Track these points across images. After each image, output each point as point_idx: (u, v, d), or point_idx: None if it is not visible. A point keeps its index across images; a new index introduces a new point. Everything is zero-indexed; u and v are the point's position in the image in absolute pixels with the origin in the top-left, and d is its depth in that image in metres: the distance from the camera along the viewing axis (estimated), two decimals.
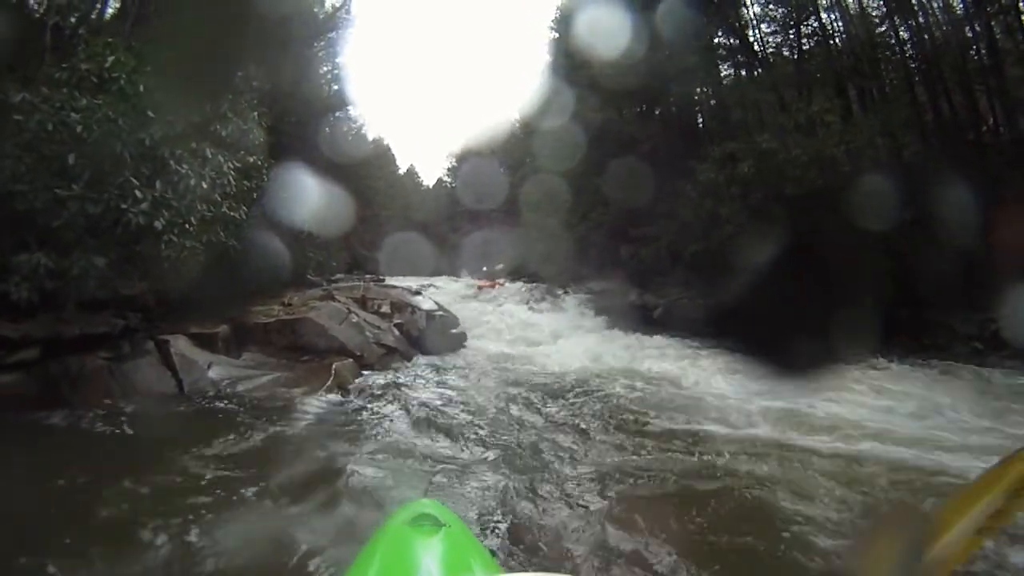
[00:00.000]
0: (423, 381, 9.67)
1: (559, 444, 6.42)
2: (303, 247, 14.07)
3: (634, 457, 6.00)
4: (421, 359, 11.74)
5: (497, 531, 4.34)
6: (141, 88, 7.21)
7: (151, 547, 4.00)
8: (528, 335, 14.71)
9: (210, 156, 8.11)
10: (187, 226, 7.47)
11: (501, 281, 20.80)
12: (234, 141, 9.34)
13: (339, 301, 12.26)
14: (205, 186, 7.70)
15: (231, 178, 8.59)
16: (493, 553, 3.94)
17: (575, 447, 6.33)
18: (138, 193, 6.72)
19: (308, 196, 13.82)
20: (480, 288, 19.80)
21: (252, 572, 3.80)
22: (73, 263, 6.52)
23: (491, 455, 6.03)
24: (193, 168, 7.52)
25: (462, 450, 6.20)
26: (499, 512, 4.65)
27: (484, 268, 22.20)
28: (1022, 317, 8.87)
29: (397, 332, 12.26)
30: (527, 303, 17.92)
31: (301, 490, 4.92)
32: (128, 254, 7.49)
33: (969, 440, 6.28)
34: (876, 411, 7.45)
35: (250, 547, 4.04)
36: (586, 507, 4.77)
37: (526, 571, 3.95)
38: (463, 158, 43.85)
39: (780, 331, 9.51)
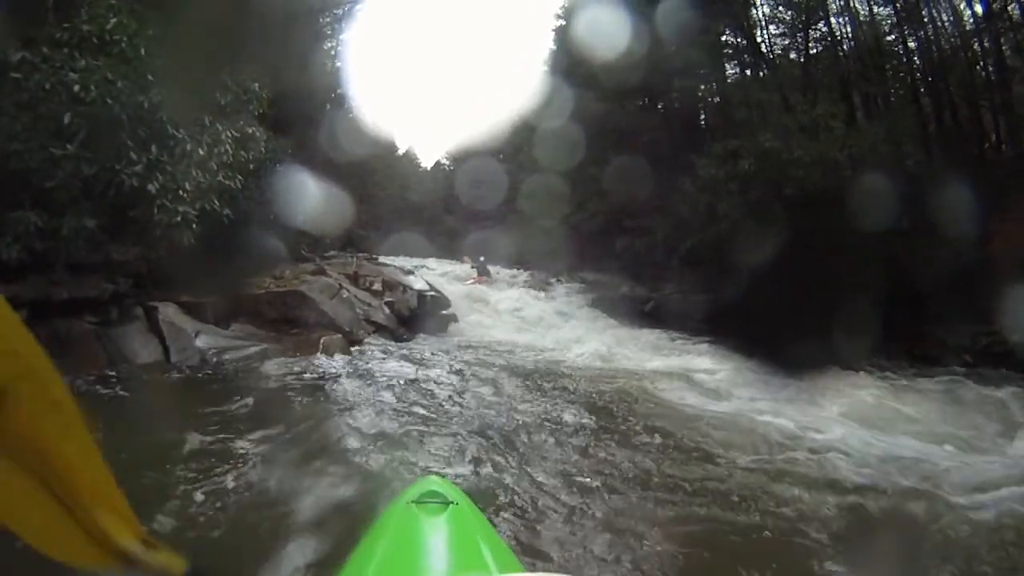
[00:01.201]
0: (410, 360, 9.62)
1: (541, 429, 6.38)
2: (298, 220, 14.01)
3: (612, 445, 5.99)
4: (410, 338, 11.76)
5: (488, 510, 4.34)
6: (142, 51, 7.16)
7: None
8: (517, 321, 14.74)
9: (208, 123, 8.08)
10: (181, 192, 7.41)
11: (486, 278, 19.86)
12: (233, 111, 9.31)
13: (331, 276, 12.23)
14: (202, 153, 7.66)
15: (228, 147, 8.54)
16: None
17: (557, 433, 6.30)
18: (133, 155, 6.66)
19: (306, 170, 13.80)
20: (473, 282, 19.47)
21: (243, 545, 3.80)
22: (63, 223, 6.49)
23: (470, 436, 5.97)
24: (190, 134, 7.48)
25: (443, 430, 6.16)
26: (486, 493, 4.65)
27: (482, 258, 21.55)
28: (1014, 330, 8.91)
29: (387, 310, 12.25)
30: (518, 290, 17.84)
31: (282, 462, 4.93)
32: (122, 218, 7.47)
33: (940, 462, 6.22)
34: (848, 426, 7.36)
35: (235, 518, 4.04)
36: (575, 495, 4.71)
37: (531, 568, 3.95)
38: (463, 152, 43.59)
39: (771, 332, 9.56)
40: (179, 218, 7.33)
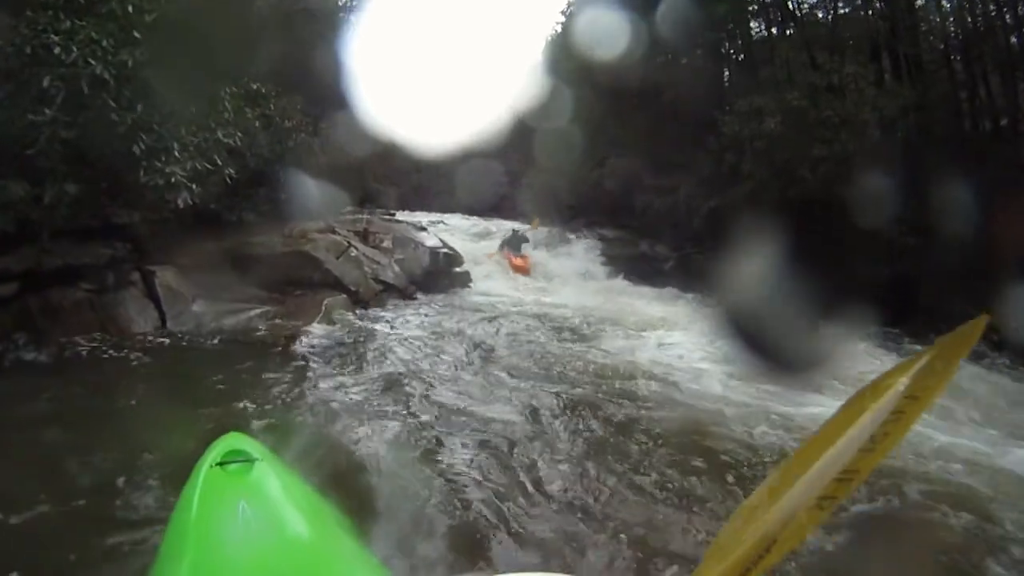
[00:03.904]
0: (417, 321, 9.57)
1: (538, 402, 6.14)
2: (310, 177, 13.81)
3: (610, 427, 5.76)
4: (420, 298, 11.59)
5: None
6: (130, 8, 6.90)
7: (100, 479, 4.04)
8: (534, 279, 14.55)
9: (205, 80, 7.90)
10: (176, 153, 7.22)
11: (520, 258, 15.73)
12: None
13: (339, 234, 12.03)
14: (194, 110, 7.48)
15: (227, 103, 8.40)
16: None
17: (555, 405, 6.08)
18: (115, 116, 6.46)
19: (318, 125, 13.61)
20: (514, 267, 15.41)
21: None
22: (44, 191, 6.35)
23: (464, 407, 5.92)
24: (182, 91, 7.27)
25: (435, 398, 6.07)
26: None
27: (516, 228, 17.46)
28: None
29: (397, 268, 12.04)
30: (536, 247, 17.45)
31: (269, 432, 4.83)
32: (120, 182, 7.34)
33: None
34: None
35: None
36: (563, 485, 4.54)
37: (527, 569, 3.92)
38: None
39: (792, 301, 9.22)
40: (173, 179, 7.13)
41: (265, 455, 2.48)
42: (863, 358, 8.67)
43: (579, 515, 4.12)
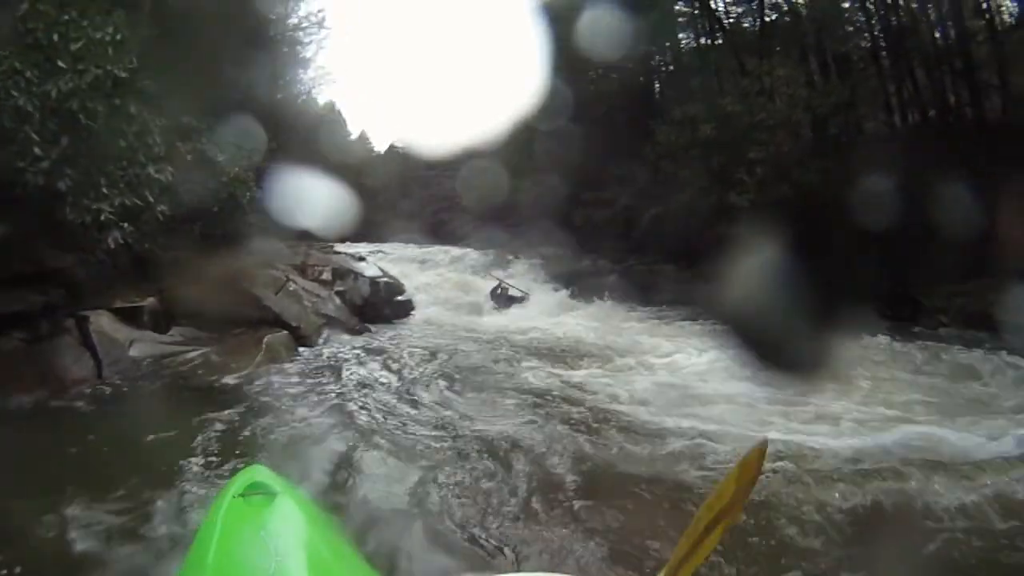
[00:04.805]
0: (359, 354, 9.36)
1: (496, 433, 5.91)
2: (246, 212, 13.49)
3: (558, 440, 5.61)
4: (362, 329, 11.42)
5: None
6: (55, 37, 6.60)
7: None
8: (476, 302, 14.51)
9: (134, 113, 7.57)
10: (104, 189, 6.91)
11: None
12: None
13: (278, 269, 11.76)
14: (123, 144, 7.15)
15: (156, 137, 8.08)
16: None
17: (512, 434, 5.87)
18: (37, 150, 6.14)
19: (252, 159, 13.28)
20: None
21: None
22: None
23: (404, 441, 5.72)
24: (110, 124, 6.96)
25: (376, 437, 5.79)
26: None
27: (501, 283, 16.16)
28: (988, 291, 8.71)
29: (338, 300, 11.89)
30: (474, 270, 17.38)
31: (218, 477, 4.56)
32: (47, 221, 6.99)
33: None
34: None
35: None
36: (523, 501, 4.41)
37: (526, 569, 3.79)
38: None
39: (739, 303, 9.23)
40: (102, 216, 6.82)
41: (286, 489, 2.49)
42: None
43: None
